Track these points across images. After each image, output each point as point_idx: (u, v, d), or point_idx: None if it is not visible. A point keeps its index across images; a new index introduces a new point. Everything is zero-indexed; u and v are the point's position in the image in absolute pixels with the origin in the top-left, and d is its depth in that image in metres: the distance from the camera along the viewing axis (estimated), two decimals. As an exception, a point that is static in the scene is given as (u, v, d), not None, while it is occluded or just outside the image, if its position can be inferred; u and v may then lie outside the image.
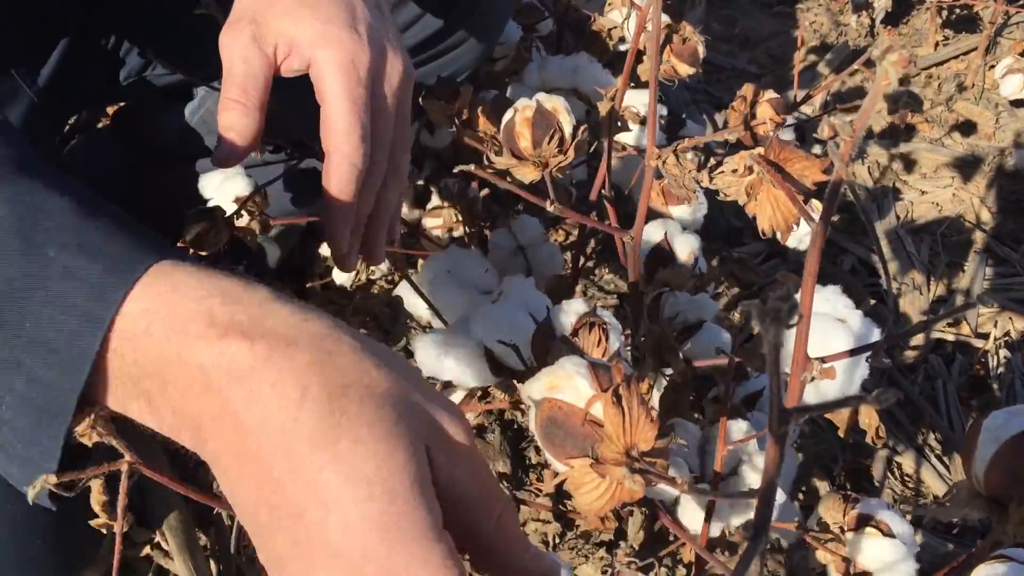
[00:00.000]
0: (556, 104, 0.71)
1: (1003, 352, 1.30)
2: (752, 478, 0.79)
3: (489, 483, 0.42)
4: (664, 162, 0.68)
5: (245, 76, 0.66)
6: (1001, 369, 1.29)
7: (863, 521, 0.72)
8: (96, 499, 0.56)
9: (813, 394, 0.79)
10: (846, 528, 0.73)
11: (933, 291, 1.43)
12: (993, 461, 0.49)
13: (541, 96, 0.72)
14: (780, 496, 0.79)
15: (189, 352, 0.42)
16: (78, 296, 0.44)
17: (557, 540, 1.15)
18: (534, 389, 0.46)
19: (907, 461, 1.20)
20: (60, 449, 0.45)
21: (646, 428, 0.40)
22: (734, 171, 0.50)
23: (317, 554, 0.37)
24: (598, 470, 0.41)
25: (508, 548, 0.43)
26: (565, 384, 0.44)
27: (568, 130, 0.71)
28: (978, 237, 1.53)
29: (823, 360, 0.42)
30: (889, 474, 1.19)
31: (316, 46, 0.66)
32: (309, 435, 0.38)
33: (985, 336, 1.36)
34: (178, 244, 0.87)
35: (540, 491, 1.15)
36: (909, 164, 1.67)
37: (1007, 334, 1.36)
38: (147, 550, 1.09)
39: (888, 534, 0.71)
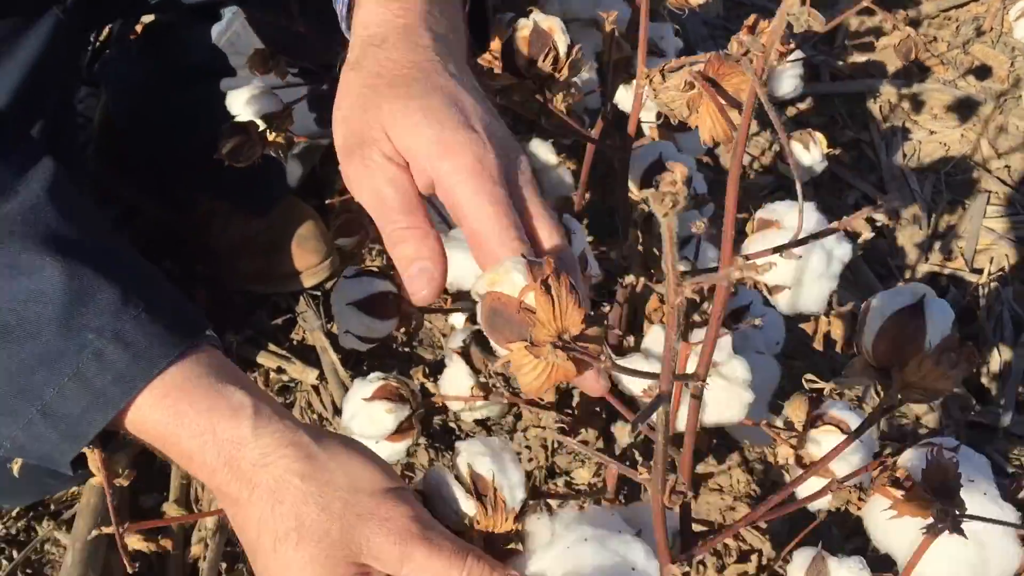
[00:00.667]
0: (552, 24, 0.75)
1: (994, 285, 1.35)
2: (720, 385, 0.85)
3: (434, 567, 0.55)
4: (651, 80, 0.73)
5: (401, 199, 0.60)
6: (991, 301, 1.33)
7: (822, 419, 0.78)
8: (92, 462, 0.63)
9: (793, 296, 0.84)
10: (807, 425, 0.80)
11: (932, 227, 1.47)
12: (879, 334, 0.56)
13: (538, 16, 0.75)
14: (757, 403, 0.86)
15: (190, 464, 0.59)
16: (103, 379, 0.58)
17: (556, 446, 1.23)
18: (479, 285, 0.53)
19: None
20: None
21: (573, 314, 0.46)
22: (677, 87, 0.55)
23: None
24: (532, 352, 0.48)
25: None
26: (504, 279, 0.50)
27: (563, 49, 0.75)
28: (983, 177, 1.56)
29: (747, 258, 0.47)
30: (874, 394, 1.25)
31: (436, 157, 0.59)
32: (263, 562, 0.57)
33: (980, 271, 1.40)
34: (215, 156, 0.93)
35: (542, 399, 1.23)
36: (920, 104, 1.69)
37: (1001, 269, 1.40)
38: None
39: (846, 432, 0.77)
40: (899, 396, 0.56)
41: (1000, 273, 1.38)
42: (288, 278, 1.37)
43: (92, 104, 1.53)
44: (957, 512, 0.53)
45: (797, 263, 0.82)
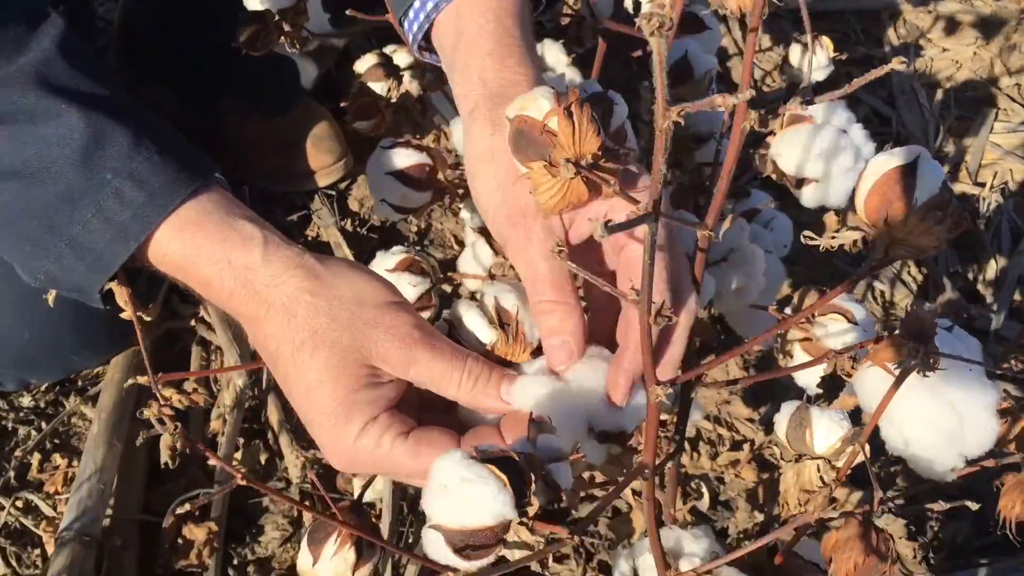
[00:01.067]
0: None
1: (995, 197, 1.37)
2: (739, 264, 0.88)
3: (436, 368, 0.60)
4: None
5: (554, 273, 0.61)
6: (991, 212, 1.36)
7: (832, 309, 0.81)
8: (119, 295, 0.67)
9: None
10: (816, 314, 0.83)
11: (939, 141, 1.49)
12: (871, 192, 0.58)
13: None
14: (765, 296, 0.89)
15: (209, 290, 0.64)
16: (122, 215, 0.63)
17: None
18: (509, 110, 0.56)
19: (887, 288, 1.29)
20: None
21: (591, 140, 0.50)
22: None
23: (293, 383, 0.62)
24: (550, 171, 0.51)
25: (476, 402, 0.61)
26: (532, 104, 0.54)
27: None
28: (993, 94, 1.57)
29: (761, 114, 0.50)
30: (871, 299, 1.28)
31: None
32: (284, 369, 0.62)
33: (983, 185, 1.42)
34: (233, 44, 0.95)
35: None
36: (934, 22, 1.69)
37: (1004, 183, 1.42)
38: (191, 322, 1.23)
39: (850, 320, 0.81)
40: (887, 252, 0.58)
41: (1003, 187, 1.40)
42: (303, 177, 1.41)
43: (112, 8, 1.55)
44: (928, 352, 0.56)
45: (826, 158, 0.84)
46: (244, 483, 0.55)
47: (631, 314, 0.60)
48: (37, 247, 0.64)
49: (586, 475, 0.83)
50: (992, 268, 1.32)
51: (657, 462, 0.62)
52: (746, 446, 1.18)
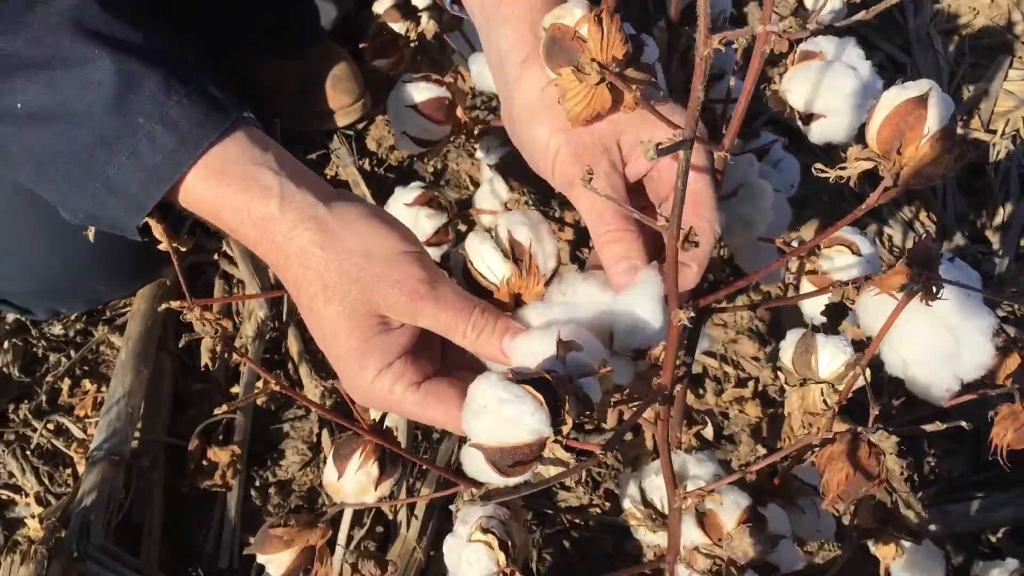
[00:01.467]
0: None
1: (1006, 144, 1.38)
2: (748, 199, 0.91)
3: (442, 319, 0.62)
4: None
5: (616, 208, 0.65)
6: (1001, 158, 1.37)
7: (838, 242, 0.84)
8: (155, 228, 0.70)
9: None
10: (823, 246, 0.85)
11: (953, 89, 1.49)
12: (883, 123, 0.60)
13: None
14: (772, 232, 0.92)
15: (235, 234, 0.67)
16: (155, 158, 0.66)
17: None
18: (546, 20, 0.59)
19: (896, 234, 1.31)
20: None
21: (618, 46, 0.52)
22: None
23: (312, 327, 0.66)
24: (578, 76, 0.53)
25: (481, 353, 0.64)
26: (566, 13, 0.57)
27: None
28: (1008, 41, 1.57)
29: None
30: (879, 244, 1.31)
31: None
32: (305, 315, 0.66)
33: (994, 132, 1.43)
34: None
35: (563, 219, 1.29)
36: (953, -32, 1.69)
37: (1016, 130, 1.43)
38: (215, 256, 1.26)
39: (855, 252, 0.83)
40: (896, 181, 0.61)
41: (1014, 134, 1.41)
42: (322, 117, 1.43)
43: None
44: (931, 277, 0.59)
45: (834, 94, 0.86)
46: (277, 388, 0.59)
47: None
48: (74, 187, 0.67)
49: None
50: (1000, 213, 1.33)
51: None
52: (751, 383, 1.21)
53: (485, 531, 0.60)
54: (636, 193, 0.69)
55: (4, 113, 0.67)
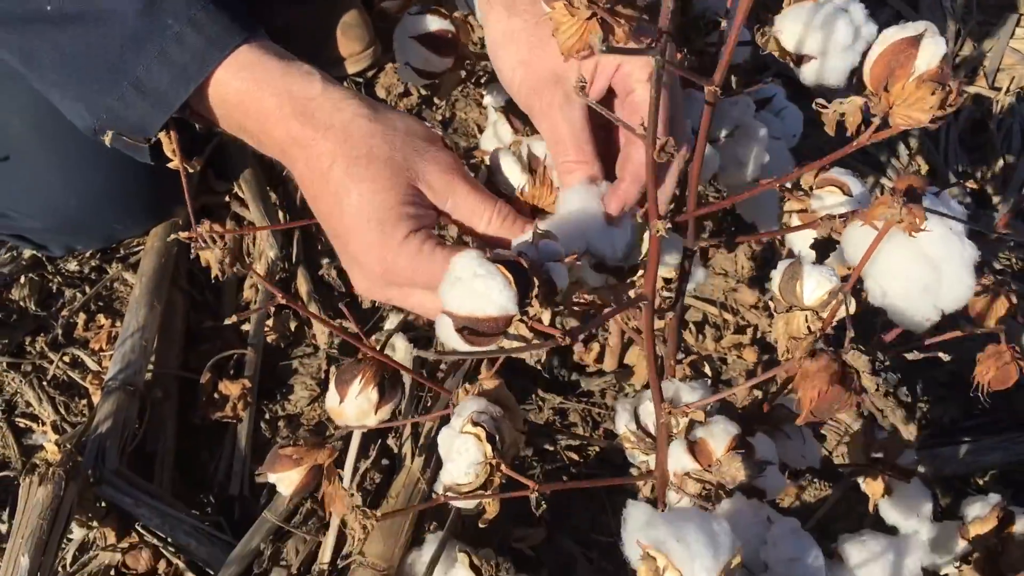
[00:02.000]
0: None
1: (1009, 100, 1.39)
2: (743, 140, 0.93)
3: (471, 201, 0.68)
4: None
5: (575, 135, 0.70)
6: (1003, 114, 1.38)
7: (829, 182, 0.86)
8: (167, 145, 0.73)
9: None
10: (815, 187, 0.87)
11: (959, 45, 1.50)
12: (877, 60, 0.62)
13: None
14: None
15: (267, 121, 0.69)
16: (183, 57, 0.69)
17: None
18: None
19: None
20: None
21: None
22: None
23: (333, 231, 0.70)
24: (571, 11, 0.55)
25: (496, 239, 0.68)
26: None
27: None
28: (1015, 1, 1.57)
29: None
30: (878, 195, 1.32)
31: (640, 80, 0.69)
32: (334, 186, 0.67)
33: (999, 89, 1.44)
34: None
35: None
36: (965, -75, 1.68)
37: (1021, 87, 1.43)
38: (226, 198, 1.29)
39: (846, 193, 0.85)
40: (884, 120, 0.62)
41: (1019, 91, 1.42)
42: (332, 64, 1.44)
43: None
44: (914, 207, 0.61)
45: (826, 35, 0.87)
46: (284, 301, 0.62)
47: (630, 151, 0.68)
48: (103, 85, 0.70)
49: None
50: (1000, 168, 1.35)
51: (657, 306, 0.68)
52: (749, 331, 1.24)
53: (475, 424, 0.63)
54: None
55: (34, 14, 0.71)
